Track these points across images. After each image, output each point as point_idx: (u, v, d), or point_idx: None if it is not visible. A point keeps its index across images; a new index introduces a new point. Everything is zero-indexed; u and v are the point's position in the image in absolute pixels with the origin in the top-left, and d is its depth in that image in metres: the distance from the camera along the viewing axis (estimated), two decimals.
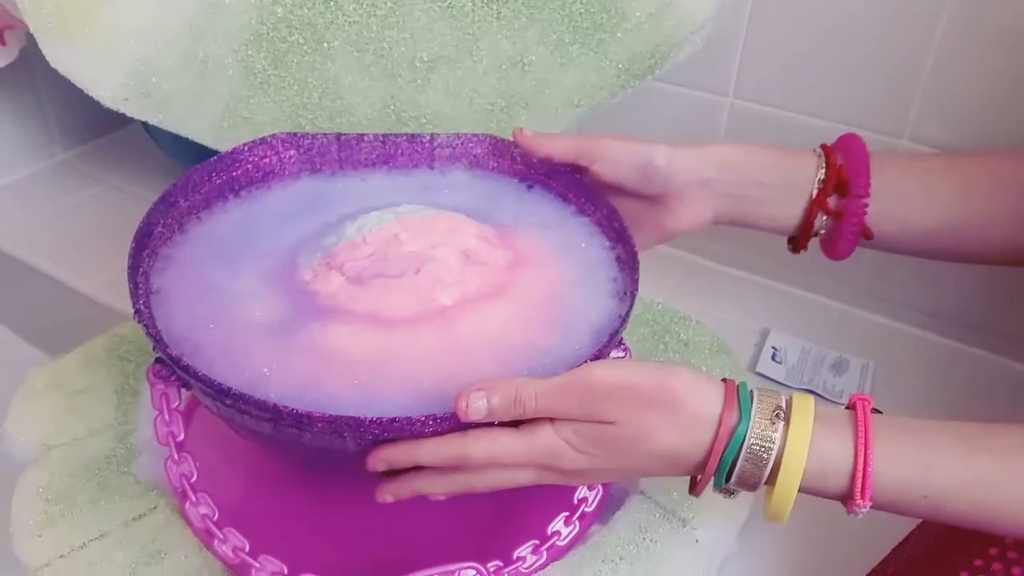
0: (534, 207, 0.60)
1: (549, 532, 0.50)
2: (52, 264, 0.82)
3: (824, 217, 0.54)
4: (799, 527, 0.57)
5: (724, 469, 0.42)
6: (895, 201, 0.53)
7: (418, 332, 0.48)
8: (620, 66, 0.72)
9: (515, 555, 0.49)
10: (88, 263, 0.82)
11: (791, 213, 0.55)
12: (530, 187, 0.62)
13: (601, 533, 0.53)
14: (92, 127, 0.98)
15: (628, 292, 0.52)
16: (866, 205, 0.53)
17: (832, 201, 0.53)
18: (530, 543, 0.49)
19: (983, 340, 0.73)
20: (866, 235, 0.54)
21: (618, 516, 0.54)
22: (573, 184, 0.60)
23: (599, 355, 0.46)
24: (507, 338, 0.49)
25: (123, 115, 0.68)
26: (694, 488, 0.44)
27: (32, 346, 0.88)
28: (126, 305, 0.75)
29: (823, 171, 0.53)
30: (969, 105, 0.65)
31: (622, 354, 0.52)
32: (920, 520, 0.51)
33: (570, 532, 0.50)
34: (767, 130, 0.74)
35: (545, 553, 0.49)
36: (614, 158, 0.55)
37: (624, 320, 0.49)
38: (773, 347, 0.72)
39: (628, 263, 0.53)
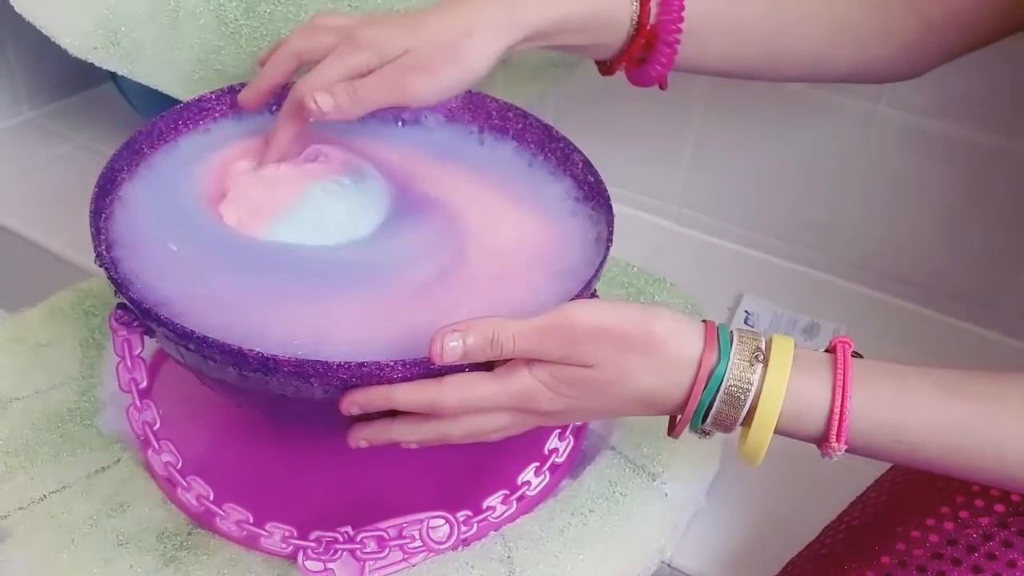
0: (507, 159, 0.60)
1: (519, 482, 0.50)
2: (17, 221, 0.81)
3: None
4: (767, 484, 0.57)
5: (702, 410, 0.42)
6: (711, 31, 0.54)
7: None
8: None
9: (485, 505, 0.49)
10: (55, 221, 0.80)
11: (599, 57, 0.57)
12: (498, 138, 0.61)
13: (571, 487, 0.53)
14: (61, 86, 0.96)
15: (603, 241, 0.51)
16: (674, 54, 0.54)
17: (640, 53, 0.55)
18: (500, 493, 0.49)
19: (951, 306, 0.74)
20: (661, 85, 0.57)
21: (588, 470, 0.54)
22: (546, 135, 0.59)
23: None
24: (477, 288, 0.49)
25: (92, 73, 0.67)
26: (672, 430, 0.44)
27: None
28: (91, 263, 0.75)
29: (634, 26, 0.53)
30: None
31: None
32: (879, 477, 0.51)
33: (540, 483, 0.50)
34: (743, 98, 0.74)
35: (515, 503, 0.49)
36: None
37: (598, 270, 0.48)
38: (746, 311, 0.72)
39: (604, 215, 0.53)
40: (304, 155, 0.56)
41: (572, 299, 0.45)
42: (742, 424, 0.42)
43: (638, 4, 0.53)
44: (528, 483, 0.50)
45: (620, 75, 0.75)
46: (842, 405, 0.39)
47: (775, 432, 0.41)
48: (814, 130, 0.73)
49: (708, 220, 0.82)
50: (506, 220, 0.54)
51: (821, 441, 0.41)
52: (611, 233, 0.52)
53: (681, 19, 0.53)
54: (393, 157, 0.58)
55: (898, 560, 0.43)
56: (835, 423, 0.40)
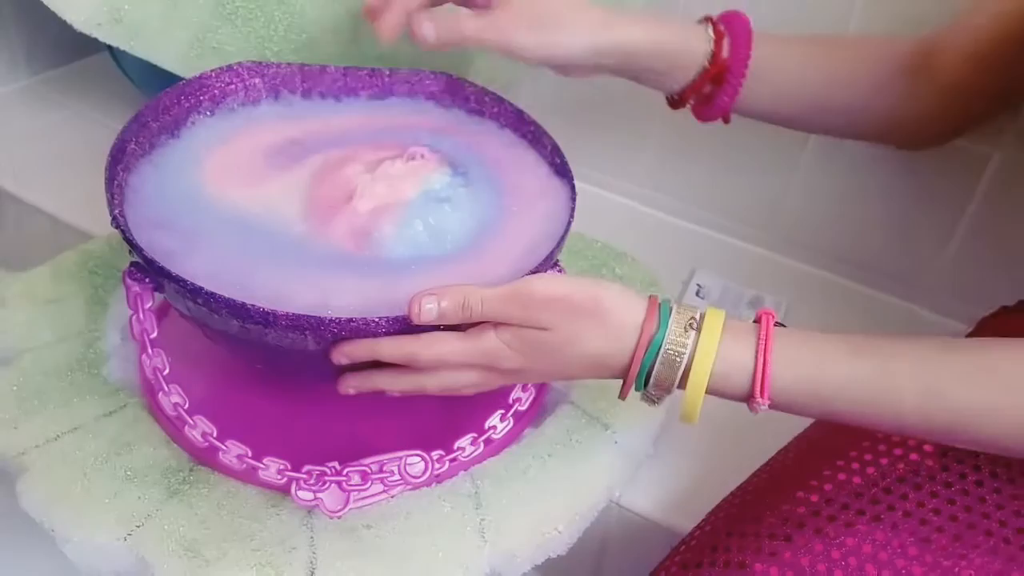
0: (482, 138, 0.65)
1: (486, 426, 0.56)
2: (15, 184, 0.84)
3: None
4: (705, 436, 0.64)
5: (643, 372, 0.47)
6: (771, 73, 0.60)
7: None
8: None
9: (455, 445, 0.55)
10: (52, 185, 0.84)
11: (671, 88, 0.62)
12: (479, 119, 0.67)
13: (533, 435, 0.60)
14: (58, 53, 0.99)
15: (564, 219, 0.57)
16: (738, 89, 0.60)
17: (708, 86, 0.60)
18: (469, 436, 0.55)
19: (881, 282, 0.81)
20: (725, 119, 0.62)
21: (549, 420, 0.61)
22: (518, 119, 0.65)
23: (535, 272, 0.52)
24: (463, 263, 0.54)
25: (90, 42, 0.70)
26: (621, 392, 0.49)
27: None
28: (91, 225, 0.79)
29: (708, 59, 0.59)
30: None
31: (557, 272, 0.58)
32: (802, 431, 0.58)
33: (505, 427, 0.56)
34: None
35: (482, 444, 0.55)
36: (521, 56, 0.58)
37: (560, 242, 0.54)
38: (698, 284, 0.79)
39: (567, 190, 0.59)
40: (407, 155, 0.58)
41: (534, 270, 0.52)
42: (679, 387, 0.47)
43: (713, 41, 0.59)
44: (494, 427, 0.56)
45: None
46: (764, 365, 0.45)
47: (708, 391, 0.46)
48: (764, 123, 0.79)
49: (668, 200, 0.88)
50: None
51: (748, 398, 0.46)
52: (572, 210, 0.57)
53: (749, 56, 0.59)
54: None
55: (812, 496, 0.50)
56: (758, 380, 0.45)
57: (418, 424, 0.56)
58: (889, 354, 0.45)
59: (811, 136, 0.77)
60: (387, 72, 0.67)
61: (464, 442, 0.55)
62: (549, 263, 0.54)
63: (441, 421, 0.55)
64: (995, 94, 0.60)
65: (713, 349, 0.46)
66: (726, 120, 0.63)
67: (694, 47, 0.59)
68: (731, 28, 0.59)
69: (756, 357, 0.45)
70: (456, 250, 0.55)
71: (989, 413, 0.43)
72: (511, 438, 0.58)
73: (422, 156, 0.57)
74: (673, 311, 0.47)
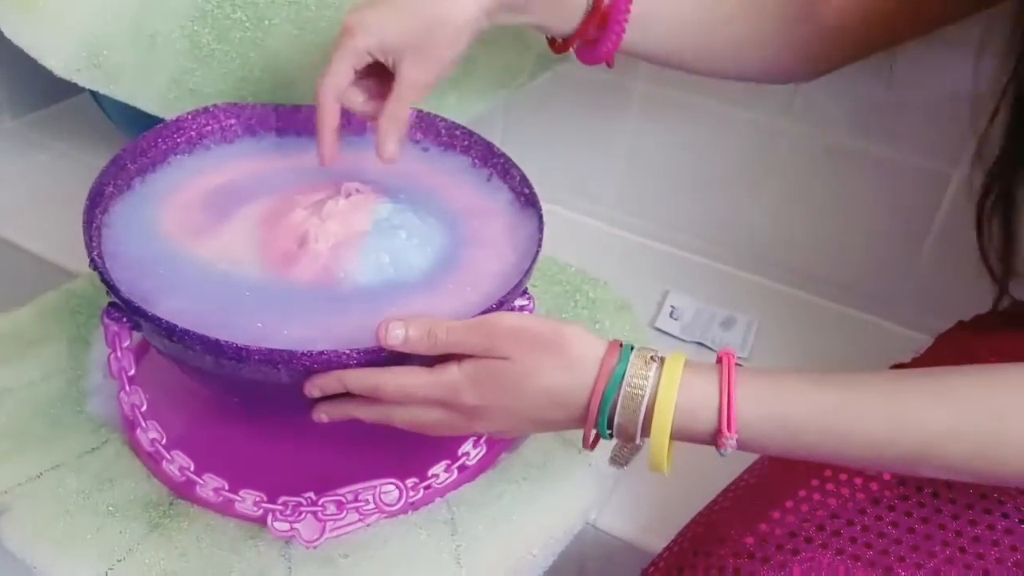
0: (451, 171, 0.67)
1: (460, 453, 0.57)
2: (1, 225, 0.85)
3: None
4: (678, 460, 0.64)
5: (605, 409, 0.46)
6: (655, 17, 0.61)
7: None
8: (540, 50, 0.78)
9: (430, 472, 0.56)
10: (37, 226, 0.85)
11: (555, 35, 0.63)
12: (445, 151, 0.69)
13: (509, 459, 0.61)
14: (40, 96, 1.01)
15: (533, 248, 0.59)
16: (620, 35, 0.60)
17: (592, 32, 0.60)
18: (443, 462, 0.56)
19: (855, 300, 0.82)
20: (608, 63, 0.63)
21: (524, 445, 0.62)
22: (488, 152, 0.67)
23: (504, 300, 0.53)
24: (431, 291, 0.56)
25: (71, 85, 0.72)
26: (584, 439, 0.48)
27: None
28: (75, 264, 0.81)
29: (589, 6, 0.59)
30: None
31: (526, 302, 0.60)
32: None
33: (478, 453, 0.57)
34: (672, 112, 0.82)
35: (456, 471, 0.56)
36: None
37: (527, 272, 0.56)
38: (672, 306, 0.80)
39: (535, 221, 0.61)
40: (343, 191, 0.60)
41: (503, 298, 0.53)
42: (643, 434, 0.46)
43: None
44: (467, 453, 0.57)
45: (561, 91, 0.82)
46: (729, 397, 0.44)
47: (673, 432, 0.45)
48: (732, 144, 0.81)
49: (638, 223, 0.90)
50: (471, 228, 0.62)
51: (715, 435, 0.45)
52: (540, 240, 0.59)
53: (628, 5, 0.59)
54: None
55: (775, 514, 0.50)
56: (724, 414, 0.44)
57: (392, 452, 0.57)
58: (853, 383, 0.45)
59: (780, 155, 0.79)
60: None
61: (438, 469, 0.56)
62: (518, 291, 0.56)
63: (415, 448, 0.56)
64: (878, 35, 0.62)
65: (676, 381, 0.45)
66: (609, 64, 0.64)
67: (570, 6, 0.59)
68: None
69: (720, 391, 0.45)
70: (423, 276, 0.56)
71: (953, 436, 0.43)
72: (486, 463, 0.59)
73: (357, 191, 0.59)
74: (634, 349, 0.47)
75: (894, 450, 0.44)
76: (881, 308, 0.81)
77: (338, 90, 0.57)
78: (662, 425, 0.45)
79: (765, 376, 0.46)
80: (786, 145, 0.79)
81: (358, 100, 0.59)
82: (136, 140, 0.63)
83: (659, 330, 0.78)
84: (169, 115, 0.69)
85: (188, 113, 0.67)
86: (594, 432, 0.48)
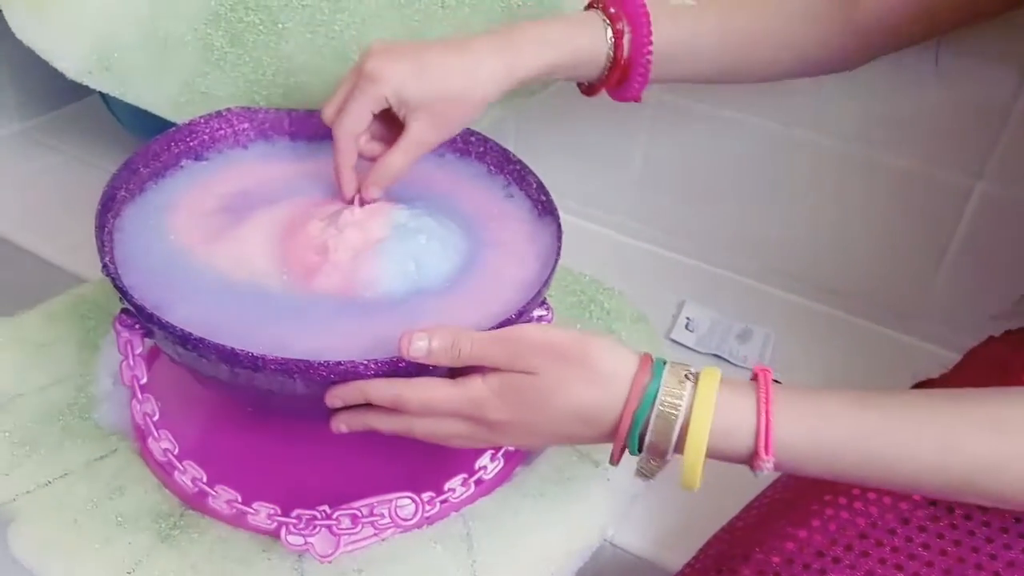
0: (467, 177, 0.66)
1: (476, 467, 0.56)
2: (9, 228, 0.85)
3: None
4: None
5: (636, 428, 0.44)
6: (684, 50, 0.61)
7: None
8: None
9: (446, 487, 0.55)
10: (46, 229, 0.84)
11: (582, 83, 0.63)
12: (460, 157, 0.68)
13: (524, 473, 0.60)
14: (50, 99, 1.00)
15: (552, 257, 0.57)
16: (645, 78, 0.60)
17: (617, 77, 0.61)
18: (460, 476, 0.55)
19: (873, 313, 0.81)
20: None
21: (540, 459, 0.61)
22: (504, 159, 0.66)
23: (524, 310, 0.52)
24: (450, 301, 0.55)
25: (80, 87, 0.71)
26: (612, 455, 0.47)
27: None
28: (84, 269, 0.80)
29: (610, 60, 0.59)
30: None
31: (545, 312, 0.59)
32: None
33: (495, 467, 0.56)
34: (688, 121, 0.81)
35: (472, 485, 0.55)
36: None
37: (547, 281, 0.55)
38: (687, 317, 0.79)
39: (553, 232, 0.60)
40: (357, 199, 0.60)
41: (522, 309, 0.52)
42: (676, 451, 0.44)
43: (612, 44, 0.59)
44: (484, 467, 0.56)
45: (573, 100, 0.82)
46: (767, 417, 0.42)
47: (708, 451, 0.43)
48: (749, 152, 0.80)
49: (653, 232, 0.89)
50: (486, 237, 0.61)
51: (751, 456, 0.43)
52: (559, 248, 0.58)
53: (649, 53, 0.59)
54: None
55: (801, 532, 0.49)
56: (762, 435, 0.42)
57: (408, 466, 0.56)
58: (897, 406, 0.43)
59: (797, 164, 0.78)
60: None
61: (455, 483, 0.55)
62: (537, 301, 0.55)
63: (431, 462, 0.55)
64: (918, 25, 0.61)
65: (711, 401, 0.43)
66: (638, 101, 0.64)
67: (596, 55, 0.59)
68: (630, 19, 0.59)
69: (758, 412, 0.43)
70: (444, 280, 0.56)
71: (1003, 465, 0.41)
72: (502, 478, 0.58)
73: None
74: (667, 364, 0.46)
75: (940, 477, 0.42)
76: (901, 321, 0.80)
77: (356, 132, 0.58)
78: (697, 446, 0.43)
79: (804, 396, 0.44)
80: (804, 154, 0.78)
81: (371, 148, 0.60)
82: (148, 144, 0.63)
83: (674, 342, 0.77)
84: (180, 119, 0.68)
85: (201, 117, 0.66)
86: (622, 448, 0.47)
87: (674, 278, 0.86)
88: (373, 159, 0.60)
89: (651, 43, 0.59)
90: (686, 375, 0.45)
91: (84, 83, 0.71)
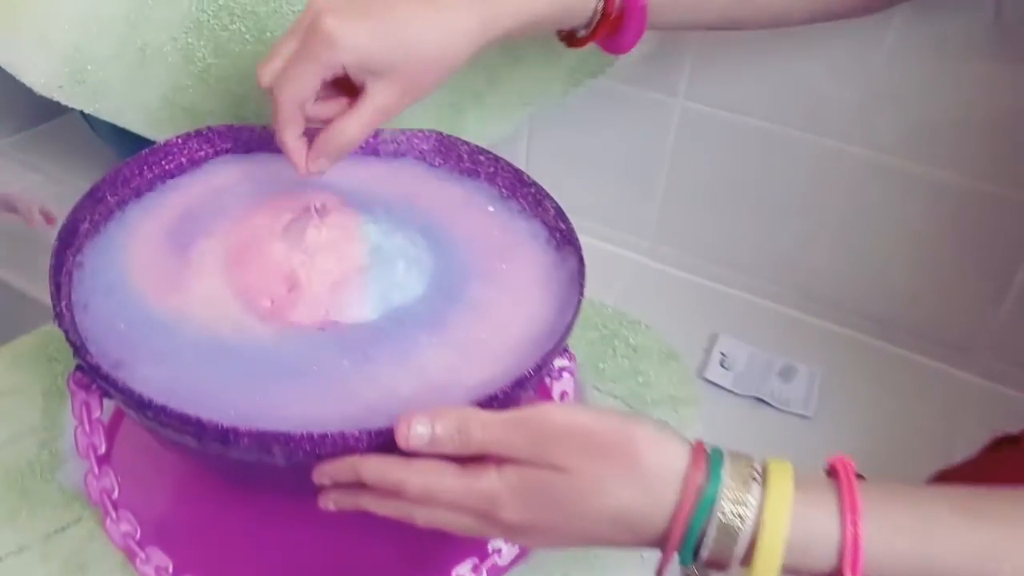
0: (475, 203, 0.59)
1: (490, 550, 0.49)
2: None
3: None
4: None
5: (691, 539, 0.37)
6: (670, 9, 0.56)
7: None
8: (571, 64, 0.71)
9: (454, 573, 0.48)
10: (24, 255, 0.79)
11: (569, 36, 0.57)
12: (471, 177, 0.61)
13: (544, 553, 0.52)
14: (29, 114, 0.96)
15: (574, 299, 0.50)
16: (640, 29, 0.55)
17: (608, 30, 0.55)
18: (470, 561, 0.48)
19: (928, 347, 0.74)
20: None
21: None
22: (517, 180, 0.59)
23: (543, 362, 0.45)
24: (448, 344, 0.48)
25: (60, 103, 0.66)
26: (659, 570, 0.39)
27: None
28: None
29: (601, 10, 0.54)
30: None
31: (567, 362, 0.51)
32: None
33: (511, 549, 0.49)
34: (716, 133, 0.74)
35: (485, 572, 0.48)
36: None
37: (569, 326, 0.48)
38: (721, 353, 0.71)
39: (576, 268, 0.52)
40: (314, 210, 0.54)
41: (541, 362, 0.45)
42: (741, 563, 0.37)
43: None
44: (499, 551, 0.49)
45: (591, 115, 0.74)
46: (855, 532, 0.36)
47: (783, 569, 0.36)
48: (788, 168, 0.73)
49: (681, 256, 0.82)
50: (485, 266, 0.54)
51: (833, 575, 0.36)
52: (582, 286, 0.51)
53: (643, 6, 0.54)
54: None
55: None
56: (849, 553, 0.35)
57: (409, 548, 0.48)
58: (1016, 516, 0.36)
59: (843, 182, 0.71)
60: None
61: (464, 568, 0.48)
62: (556, 352, 0.47)
63: (436, 544, 0.48)
64: None
65: (787, 511, 0.36)
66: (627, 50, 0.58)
67: (581, 6, 0.54)
68: None
69: (843, 524, 0.36)
70: (442, 323, 0.49)
71: None
72: (519, 558, 0.51)
73: (323, 205, 0.52)
74: (726, 458, 0.38)
75: None
76: (957, 356, 0.73)
77: (302, 100, 0.50)
78: (768, 565, 0.36)
79: (900, 503, 0.37)
80: (850, 171, 0.70)
81: (318, 110, 0.52)
82: (116, 168, 0.56)
83: (708, 381, 0.69)
84: (161, 136, 0.62)
85: (178, 136, 0.59)
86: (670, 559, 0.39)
87: (705, 308, 0.78)
88: (324, 123, 0.52)
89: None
90: (752, 475, 0.37)
91: (54, 98, 0.65)
